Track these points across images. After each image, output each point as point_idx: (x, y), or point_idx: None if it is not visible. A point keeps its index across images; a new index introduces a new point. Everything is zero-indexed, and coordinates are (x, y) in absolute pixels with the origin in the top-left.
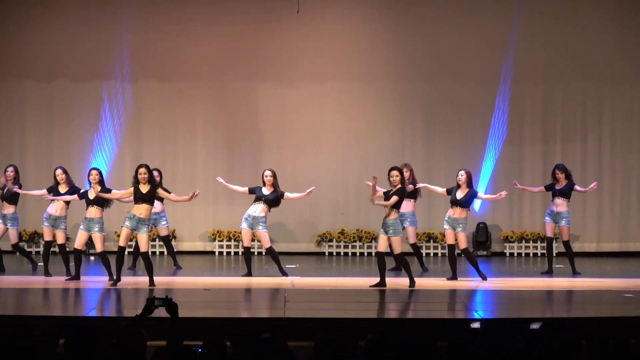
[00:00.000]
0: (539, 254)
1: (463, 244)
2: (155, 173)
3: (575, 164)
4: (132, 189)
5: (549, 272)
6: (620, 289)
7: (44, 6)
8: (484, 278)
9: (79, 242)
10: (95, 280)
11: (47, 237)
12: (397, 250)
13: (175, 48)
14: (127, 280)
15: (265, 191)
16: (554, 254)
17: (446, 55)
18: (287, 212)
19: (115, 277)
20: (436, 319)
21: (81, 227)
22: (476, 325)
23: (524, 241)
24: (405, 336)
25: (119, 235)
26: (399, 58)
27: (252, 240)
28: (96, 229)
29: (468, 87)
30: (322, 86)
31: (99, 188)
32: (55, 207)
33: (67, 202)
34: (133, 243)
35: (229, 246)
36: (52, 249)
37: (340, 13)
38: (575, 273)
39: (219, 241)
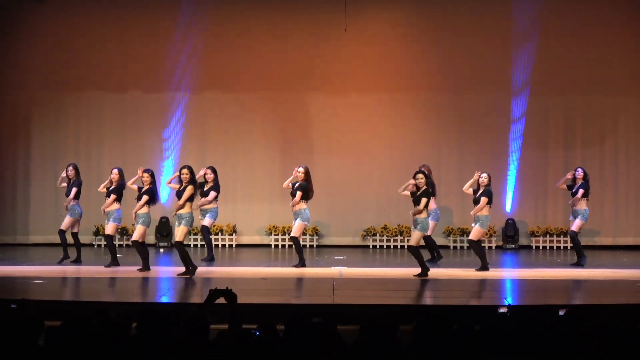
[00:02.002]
0: (562, 247)
1: (472, 235)
2: (208, 171)
3: (594, 167)
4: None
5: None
6: (636, 279)
7: (119, 24)
8: (485, 268)
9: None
10: (165, 270)
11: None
12: (412, 242)
13: (236, 62)
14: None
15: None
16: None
17: (479, 69)
18: (336, 209)
19: (190, 268)
20: (470, 305)
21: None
22: (504, 310)
23: (548, 235)
24: (447, 320)
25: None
26: (436, 72)
27: (304, 234)
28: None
29: (498, 98)
30: (367, 97)
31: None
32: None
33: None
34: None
35: (283, 240)
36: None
37: (383, 31)
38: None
39: (274, 235)
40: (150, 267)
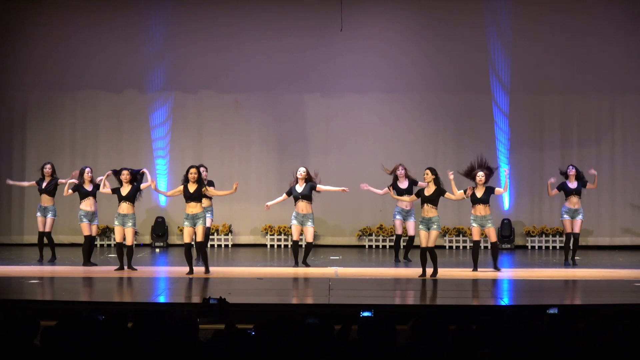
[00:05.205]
0: (558, 247)
1: (492, 237)
2: (202, 169)
3: (590, 166)
4: (181, 187)
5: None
6: (632, 279)
7: (114, 24)
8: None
9: (119, 237)
10: (160, 270)
11: (87, 232)
12: (432, 244)
13: (232, 62)
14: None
15: (299, 188)
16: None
17: (474, 69)
18: (332, 209)
19: (189, 270)
20: (467, 305)
21: (116, 222)
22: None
23: (544, 235)
24: (443, 319)
25: (181, 230)
26: (431, 72)
27: (301, 234)
28: (130, 224)
29: (495, 97)
30: (363, 96)
31: (129, 187)
32: (90, 204)
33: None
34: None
35: (279, 240)
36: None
37: (379, 31)
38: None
39: (270, 235)
40: (149, 268)
